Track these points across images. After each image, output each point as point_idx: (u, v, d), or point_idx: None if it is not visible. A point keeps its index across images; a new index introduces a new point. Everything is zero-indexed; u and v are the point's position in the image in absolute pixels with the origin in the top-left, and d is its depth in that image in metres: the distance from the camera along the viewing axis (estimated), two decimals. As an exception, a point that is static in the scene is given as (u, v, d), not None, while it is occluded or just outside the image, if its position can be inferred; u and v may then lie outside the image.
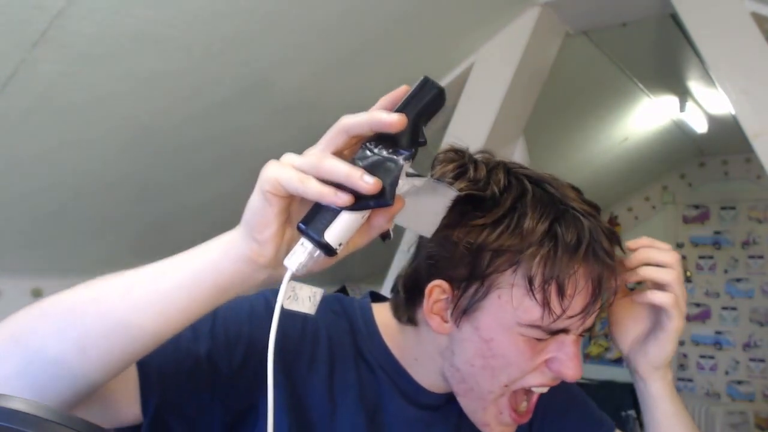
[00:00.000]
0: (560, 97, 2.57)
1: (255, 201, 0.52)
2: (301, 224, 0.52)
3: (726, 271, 4.15)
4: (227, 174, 1.91)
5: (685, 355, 4.22)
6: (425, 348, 0.74)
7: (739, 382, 4.04)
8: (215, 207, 1.94)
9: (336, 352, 0.73)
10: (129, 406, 0.62)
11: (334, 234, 0.52)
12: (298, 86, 1.77)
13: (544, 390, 0.72)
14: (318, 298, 0.57)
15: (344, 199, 0.49)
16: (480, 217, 0.66)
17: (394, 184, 0.52)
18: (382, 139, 0.53)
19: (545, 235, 0.65)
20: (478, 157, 0.73)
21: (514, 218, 0.65)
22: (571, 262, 0.64)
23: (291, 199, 0.52)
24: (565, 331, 0.68)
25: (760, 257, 4.05)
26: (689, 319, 4.21)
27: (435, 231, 0.64)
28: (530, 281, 0.65)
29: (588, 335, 4.55)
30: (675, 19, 2.05)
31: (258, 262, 0.54)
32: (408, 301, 0.73)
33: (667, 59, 2.68)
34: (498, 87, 2.04)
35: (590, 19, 2.15)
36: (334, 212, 0.52)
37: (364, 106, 0.56)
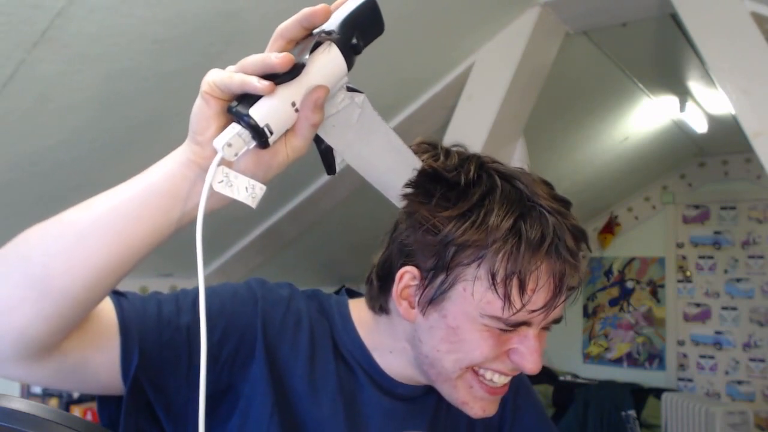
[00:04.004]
0: (560, 97, 2.57)
1: (196, 104, 0.56)
2: (229, 105, 0.55)
3: (726, 271, 4.15)
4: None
5: (685, 355, 4.22)
6: (398, 338, 0.75)
7: (739, 382, 4.04)
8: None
9: (317, 342, 0.75)
10: (110, 367, 0.63)
11: (259, 112, 0.54)
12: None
13: (506, 380, 0.72)
14: (258, 192, 0.58)
15: (265, 83, 0.53)
16: (446, 208, 0.68)
17: (307, 52, 0.54)
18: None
19: (509, 231, 0.66)
20: (453, 149, 0.74)
21: (480, 214, 0.67)
22: (533, 259, 0.66)
23: (227, 101, 0.55)
24: (527, 324, 0.69)
25: (760, 257, 4.05)
26: (689, 319, 4.22)
27: (398, 196, 0.67)
28: (493, 276, 0.66)
29: (588, 335, 4.52)
30: (675, 19, 2.05)
31: (200, 165, 0.57)
32: (381, 288, 0.75)
33: (667, 59, 2.67)
34: (498, 87, 2.04)
35: (590, 19, 2.15)
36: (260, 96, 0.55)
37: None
